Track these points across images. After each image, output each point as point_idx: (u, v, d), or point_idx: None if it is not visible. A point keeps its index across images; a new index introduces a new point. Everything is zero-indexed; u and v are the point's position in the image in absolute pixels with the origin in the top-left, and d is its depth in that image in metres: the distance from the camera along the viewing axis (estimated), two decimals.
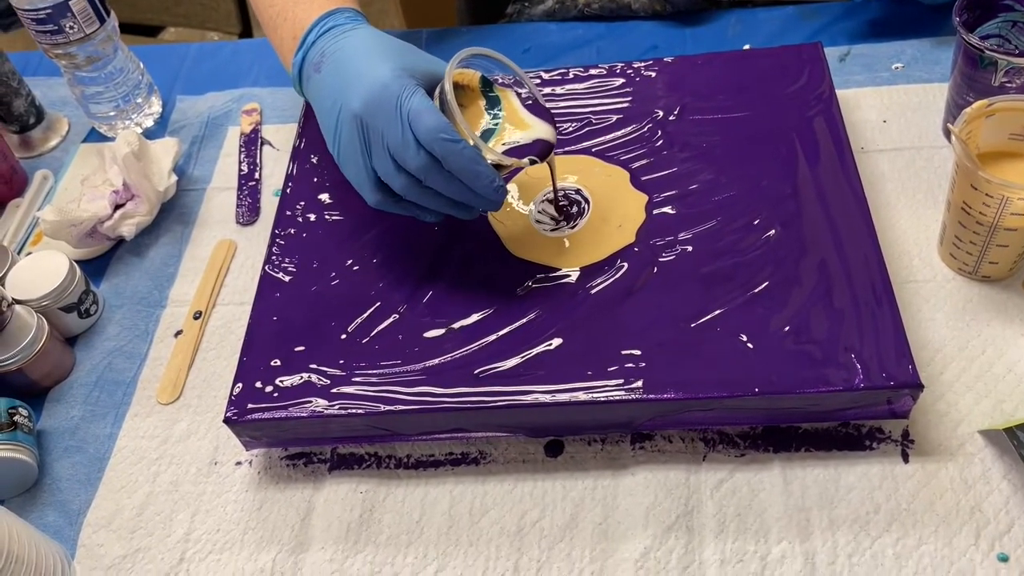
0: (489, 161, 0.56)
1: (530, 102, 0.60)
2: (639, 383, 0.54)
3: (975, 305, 0.59)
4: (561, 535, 0.54)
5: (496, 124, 0.58)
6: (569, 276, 0.60)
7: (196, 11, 1.66)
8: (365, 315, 0.61)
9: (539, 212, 0.65)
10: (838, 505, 0.53)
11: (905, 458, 0.54)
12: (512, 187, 0.66)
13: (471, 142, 0.55)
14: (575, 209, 0.64)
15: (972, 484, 0.52)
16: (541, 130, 0.58)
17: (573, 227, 0.63)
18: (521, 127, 0.58)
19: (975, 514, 0.51)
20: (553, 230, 0.63)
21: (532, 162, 0.58)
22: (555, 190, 0.64)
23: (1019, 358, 0.57)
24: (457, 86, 0.57)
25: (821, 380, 0.52)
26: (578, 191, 0.65)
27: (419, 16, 1.44)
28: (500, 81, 0.60)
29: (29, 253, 0.75)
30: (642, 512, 0.54)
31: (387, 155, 0.55)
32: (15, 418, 0.61)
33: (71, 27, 0.74)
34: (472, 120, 0.58)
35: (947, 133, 0.68)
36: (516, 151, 0.57)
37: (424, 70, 0.57)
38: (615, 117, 0.69)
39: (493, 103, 0.59)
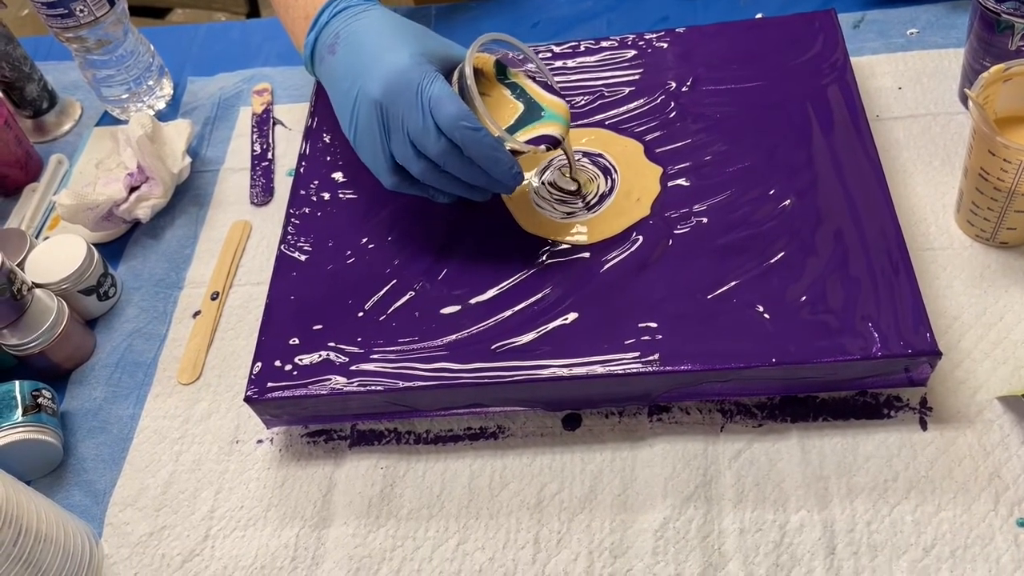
0: (507, 147, 0.56)
1: (543, 83, 0.60)
2: (656, 355, 0.54)
3: (993, 272, 0.59)
4: (580, 507, 0.55)
5: (534, 111, 0.59)
6: (584, 250, 0.60)
7: None
8: (382, 292, 0.61)
9: (549, 186, 0.64)
10: (856, 473, 0.53)
11: (923, 425, 0.54)
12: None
13: (493, 130, 0.55)
14: (595, 188, 0.64)
15: (991, 451, 0.52)
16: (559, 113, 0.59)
17: (595, 208, 0.62)
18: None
19: (994, 480, 0.51)
20: (568, 214, 0.62)
21: (549, 148, 0.58)
22: (571, 167, 0.64)
23: None
24: (474, 71, 0.58)
25: (838, 349, 0.52)
26: (605, 163, 0.64)
27: None
28: (510, 57, 0.60)
29: (47, 237, 0.75)
30: (661, 483, 0.55)
31: (406, 140, 0.56)
32: (39, 400, 0.62)
33: (81, 10, 0.74)
34: (503, 108, 0.59)
35: (963, 99, 0.68)
36: (536, 137, 0.58)
37: (441, 54, 0.57)
38: (627, 90, 0.69)
39: (513, 88, 0.60)
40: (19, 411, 0.60)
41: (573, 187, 0.64)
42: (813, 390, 0.56)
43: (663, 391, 0.56)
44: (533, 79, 0.61)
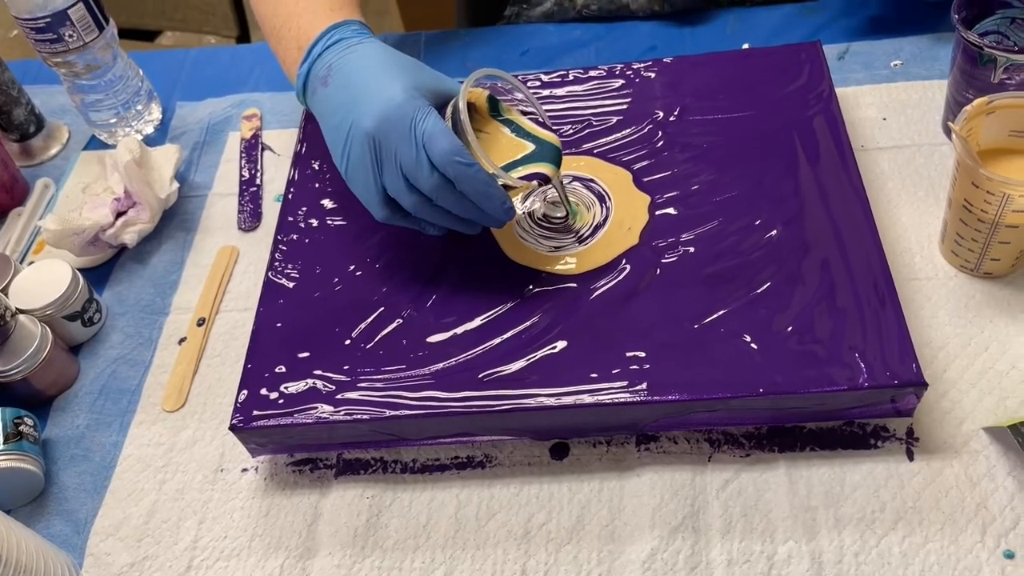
0: (499, 183, 0.56)
1: (535, 118, 0.61)
2: (643, 385, 0.54)
3: (977, 302, 0.59)
4: (568, 537, 0.54)
5: (527, 147, 0.60)
6: (572, 279, 0.60)
7: (193, 15, 1.66)
8: (369, 320, 0.61)
9: (540, 217, 0.65)
10: (844, 504, 0.53)
11: (910, 456, 0.54)
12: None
13: (486, 166, 0.56)
14: (590, 218, 0.64)
15: (977, 481, 0.53)
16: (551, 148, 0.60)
17: (587, 241, 0.62)
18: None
19: (980, 511, 0.52)
20: (555, 248, 0.62)
21: (541, 184, 0.59)
22: (565, 202, 0.64)
23: (1022, 354, 0.57)
24: (468, 107, 0.58)
25: (825, 380, 0.52)
26: (599, 189, 0.65)
27: (417, 17, 1.44)
28: (500, 86, 0.61)
29: (32, 262, 0.75)
30: (648, 513, 0.54)
31: (399, 174, 0.56)
32: (20, 428, 0.61)
33: (70, 35, 0.74)
34: (497, 143, 0.59)
35: (947, 130, 0.68)
36: (529, 174, 0.59)
37: (434, 88, 0.58)
38: (615, 119, 0.69)
39: (507, 124, 0.60)
40: (0, 439, 0.59)
41: (562, 213, 0.64)
42: (800, 420, 0.56)
43: (651, 421, 0.56)
44: (525, 114, 0.61)
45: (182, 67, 0.91)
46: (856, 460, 0.55)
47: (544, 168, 0.59)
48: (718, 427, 0.57)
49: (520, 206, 0.63)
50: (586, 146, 0.68)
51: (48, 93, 0.88)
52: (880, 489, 0.53)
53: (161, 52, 0.95)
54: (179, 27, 1.70)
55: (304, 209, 0.69)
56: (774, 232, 0.60)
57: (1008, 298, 0.59)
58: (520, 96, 0.62)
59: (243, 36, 1.66)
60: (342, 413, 0.56)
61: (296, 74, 0.63)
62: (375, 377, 0.58)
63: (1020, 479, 0.52)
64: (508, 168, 0.59)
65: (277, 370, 0.59)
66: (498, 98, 0.61)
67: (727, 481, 0.55)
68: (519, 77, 0.74)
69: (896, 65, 0.74)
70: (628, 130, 0.68)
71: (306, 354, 0.60)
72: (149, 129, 0.84)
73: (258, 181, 0.78)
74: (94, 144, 0.85)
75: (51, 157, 0.85)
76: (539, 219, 0.65)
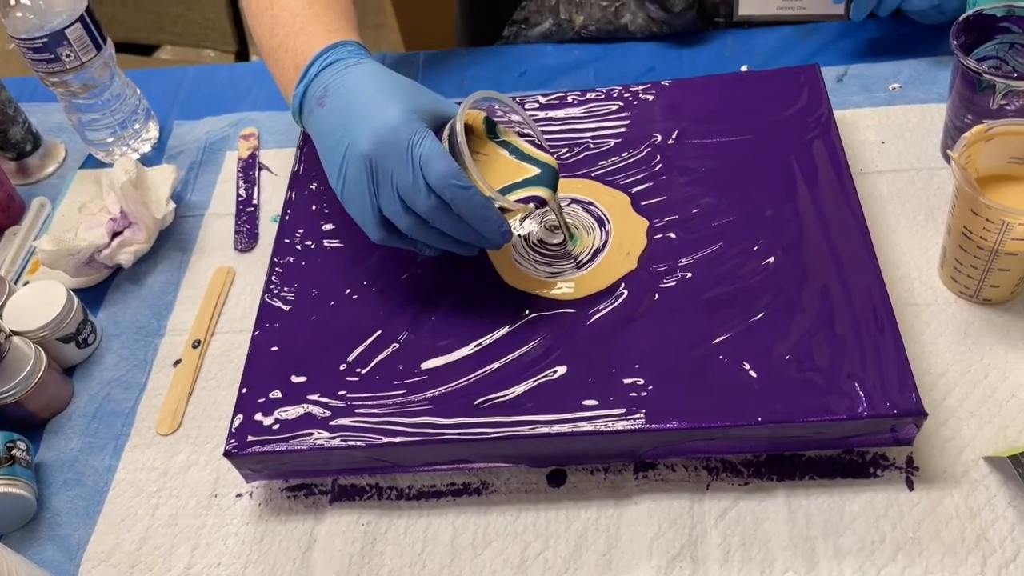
0: (496, 205, 0.56)
1: (533, 141, 0.61)
2: (642, 413, 0.54)
3: (977, 329, 0.59)
4: (565, 567, 0.54)
5: (525, 170, 0.59)
6: (570, 303, 0.60)
7: (192, 30, 1.66)
8: (365, 344, 0.60)
9: (537, 243, 0.64)
10: (843, 534, 0.52)
11: (910, 485, 0.54)
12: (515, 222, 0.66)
13: (482, 188, 0.55)
14: (590, 242, 0.63)
15: (977, 512, 0.52)
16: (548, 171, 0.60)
17: (584, 265, 0.62)
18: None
19: (981, 542, 0.51)
20: (552, 274, 0.62)
21: (538, 207, 0.59)
22: (563, 226, 0.64)
23: (1022, 382, 0.56)
24: (466, 129, 0.58)
25: (824, 409, 0.52)
26: (599, 213, 0.64)
27: (418, 36, 1.44)
28: (499, 114, 0.61)
29: (27, 282, 0.75)
30: (646, 542, 0.54)
31: (395, 196, 0.56)
32: (13, 452, 0.60)
33: (67, 55, 0.74)
34: (495, 166, 0.59)
35: (946, 156, 0.68)
36: (526, 197, 0.59)
37: (431, 110, 0.57)
38: (613, 141, 0.69)
39: (505, 147, 0.60)
40: None
41: (560, 239, 0.64)
42: (799, 448, 0.55)
43: (649, 448, 0.55)
44: (522, 136, 0.61)
45: (180, 85, 0.91)
46: (856, 489, 0.54)
47: (541, 192, 0.59)
48: (716, 455, 0.56)
49: (517, 228, 0.62)
50: (584, 169, 0.68)
51: (45, 111, 0.88)
52: (880, 519, 0.53)
53: (159, 71, 0.94)
54: (178, 41, 1.70)
55: (301, 231, 0.68)
56: (772, 258, 0.60)
57: (1008, 325, 0.59)
58: (517, 118, 0.62)
59: (242, 51, 1.66)
60: (337, 439, 0.56)
61: (292, 94, 0.63)
62: (371, 403, 0.57)
63: (1020, 510, 0.52)
64: (505, 191, 0.59)
65: (272, 395, 0.59)
66: (495, 120, 0.61)
67: (725, 510, 0.54)
68: (517, 98, 0.73)
69: (895, 88, 0.74)
70: (626, 153, 0.68)
71: (302, 379, 0.59)
72: (146, 148, 0.84)
73: (255, 201, 0.78)
74: (91, 163, 0.85)
75: (47, 176, 0.85)
76: (535, 244, 0.64)
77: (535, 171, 0.59)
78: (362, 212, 0.58)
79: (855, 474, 0.55)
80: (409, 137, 0.54)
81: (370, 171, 0.56)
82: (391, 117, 0.55)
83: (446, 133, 0.57)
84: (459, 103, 0.57)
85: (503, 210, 0.57)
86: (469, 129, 0.60)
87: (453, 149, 0.56)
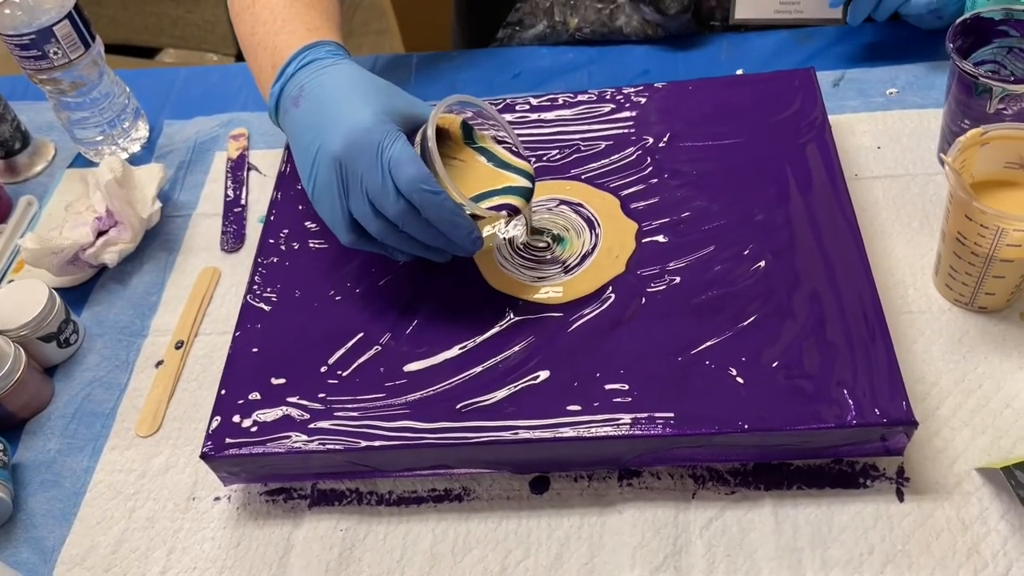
0: (467, 212, 0.55)
1: (509, 146, 0.60)
2: (627, 419, 0.52)
3: (972, 337, 0.58)
4: (546, 575, 0.53)
5: (501, 177, 0.58)
6: (556, 307, 0.59)
7: (192, 32, 1.66)
8: (346, 347, 0.59)
9: (521, 247, 0.63)
10: (831, 546, 0.51)
11: (900, 496, 0.52)
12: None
13: (453, 195, 0.54)
14: (579, 246, 0.62)
15: (969, 524, 0.51)
16: (524, 179, 0.59)
17: (572, 270, 0.61)
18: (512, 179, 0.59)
19: (972, 556, 0.50)
20: (539, 278, 0.61)
21: (510, 214, 0.58)
22: (529, 231, 0.63)
23: (1017, 392, 0.55)
24: (439, 132, 0.57)
25: (813, 416, 0.51)
26: (588, 215, 0.63)
27: (417, 37, 1.44)
28: (475, 120, 0.60)
29: (11, 280, 0.74)
30: (629, 552, 0.53)
31: (365, 199, 0.55)
32: None
33: (55, 52, 0.73)
34: (471, 172, 0.58)
35: (942, 161, 0.67)
36: (498, 204, 0.58)
37: (406, 112, 0.57)
38: (604, 144, 0.68)
39: (481, 152, 0.59)
40: None
41: (543, 244, 0.63)
42: (787, 457, 0.54)
43: (634, 455, 0.54)
44: (499, 142, 0.60)
45: (172, 85, 0.90)
46: (844, 500, 0.53)
47: (514, 200, 0.58)
48: (703, 463, 0.55)
49: (502, 232, 0.61)
50: (574, 171, 0.67)
51: (35, 109, 0.88)
52: (869, 530, 0.51)
53: (151, 70, 0.94)
54: (178, 44, 1.70)
55: (286, 231, 0.67)
56: (763, 263, 0.58)
57: (1003, 334, 0.58)
58: (491, 122, 0.61)
59: (242, 54, 1.66)
60: (316, 443, 0.55)
61: (269, 93, 0.62)
62: (350, 406, 0.56)
63: (1013, 523, 0.50)
64: (480, 198, 0.57)
65: (251, 397, 0.58)
66: (472, 124, 0.60)
67: (711, 519, 0.53)
68: (509, 100, 0.73)
69: (891, 93, 0.73)
70: (617, 155, 0.67)
71: (281, 381, 0.58)
72: (135, 147, 0.83)
73: (243, 201, 0.77)
74: (80, 162, 0.84)
75: (36, 174, 0.84)
76: (519, 248, 0.63)
77: (511, 178, 0.58)
78: (332, 214, 0.57)
79: (844, 484, 0.53)
80: (380, 139, 0.54)
81: (340, 173, 0.55)
82: (363, 119, 0.54)
83: (419, 137, 0.56)
84: (435, 106, 0.56)
85: (475, 217, 0.56)
86: (445, 134, 0.59)
87: (425, 154, 0.55)
